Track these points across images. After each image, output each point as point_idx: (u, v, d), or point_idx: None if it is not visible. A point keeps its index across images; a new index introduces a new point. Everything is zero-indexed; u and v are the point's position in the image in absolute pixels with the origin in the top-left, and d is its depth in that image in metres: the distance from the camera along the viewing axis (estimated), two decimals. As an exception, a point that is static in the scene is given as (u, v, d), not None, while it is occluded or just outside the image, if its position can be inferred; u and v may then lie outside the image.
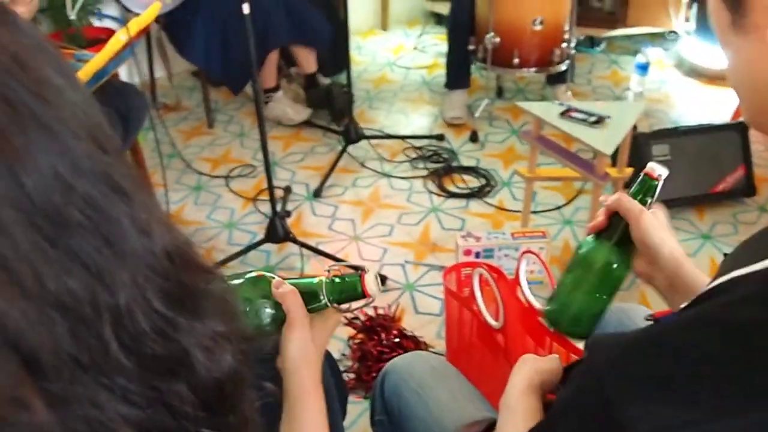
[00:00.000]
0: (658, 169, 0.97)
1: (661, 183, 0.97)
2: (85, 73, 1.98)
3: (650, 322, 0.76)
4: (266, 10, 2.93)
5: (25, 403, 0.38)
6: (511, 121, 3.26)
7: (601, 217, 0.97)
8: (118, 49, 2.05)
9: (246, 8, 1.97)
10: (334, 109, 3.25)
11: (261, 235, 2.37)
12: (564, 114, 2.17)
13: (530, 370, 0.80)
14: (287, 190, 2.77)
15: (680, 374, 0.50)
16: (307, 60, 3.32)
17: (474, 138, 3.09)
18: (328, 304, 0.88)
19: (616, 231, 0.96)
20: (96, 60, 2.00)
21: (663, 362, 0.51)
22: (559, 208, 2.66)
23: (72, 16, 2.25)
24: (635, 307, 1.25)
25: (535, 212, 2.61)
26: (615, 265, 0.96)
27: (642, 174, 0.98)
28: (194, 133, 3.29)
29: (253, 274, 0.90)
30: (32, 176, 0.39)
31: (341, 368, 1.93)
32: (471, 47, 3.09)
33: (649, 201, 0.97)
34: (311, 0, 3.25)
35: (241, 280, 0.90)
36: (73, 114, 0.43)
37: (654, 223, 0.93)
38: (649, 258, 0.94)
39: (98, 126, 0.46)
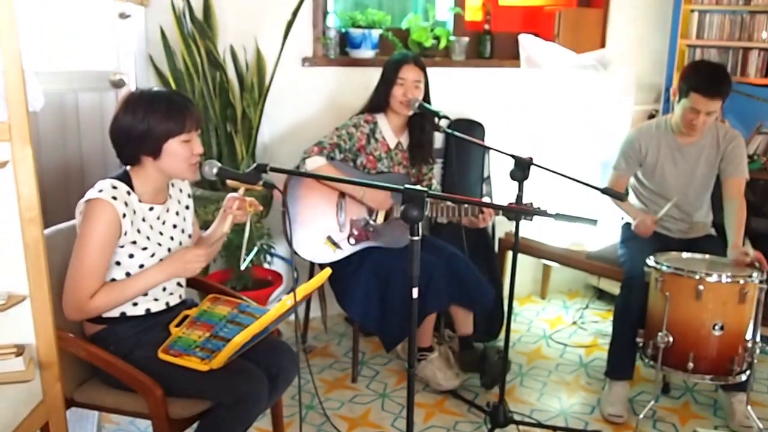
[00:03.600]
0: None
1: None
2: (244, 336, 1.97)
3: None
4: (428, 273, 2.92)
5: None
6: (678, 426, 2.94)
7: None
8: (283, 312, 2.04)
9: (415, 293, 1.92)
10: (485, 374, 3.09)
11: None
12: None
13: None
14: (424, 471, 2.57)
15: None
16: (465, 321, 3.24)
17: (635, 441, 2.80)
18: None
19: None
20: (259, 323, 2.00)
21: None
22: None
23: (242, 267, 2.30)
24: None
25: None
26: None
27: None
28: (337, 384, 3.20)
29: None
30: None
31: None
32: (639, 340, 2.89)
33: None
34: (474, 265, 3.24)
35: None
36: None
37: None
38: None
39: None
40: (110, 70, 3.30)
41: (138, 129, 2.06)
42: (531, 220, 2.77)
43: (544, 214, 1.94)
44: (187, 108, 2.11)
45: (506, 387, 2.86)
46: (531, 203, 2.67)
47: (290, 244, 2.90)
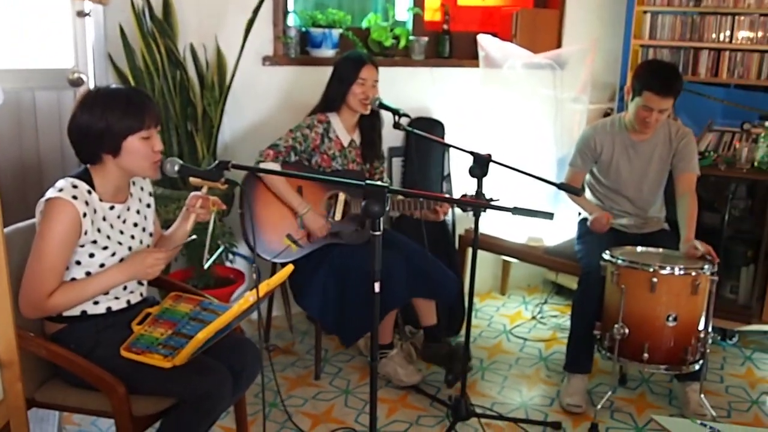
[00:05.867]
0: None
1: None
2: (207, 332, 1.97)
3: None
4: (387, 270, 2.93)
5: None
6: (635, 415, 3.01)
7: None
8: (245, 309, 2.05)
9: (377, 287, 1.95)
10: (451, 371, 3.13)
11: None
12: (705, 437, 1.96)
13: None
14: (388, 464, 2.60)
15: None
16: (428, 312, 3.27)
17: (594, 431, 2.85)
18: None
19: None
20: (221, 320, 2.01)
21: None
22: None
23: (206, 266, 2.30)
24: None
25: None
26: None
27: None
28: (300, 382, 3.22)
29: None
30: None
31: None
32: (596, 332, 2.95)
33: None
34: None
35: None
36: None
37: None
38: None
39: None
40: (68, 68, 3.26)
41: (97, 127, 2.05)
42: (485, 211, 2.81)
43: (501, 207, 1.99)
44: (145, 104, 2.10)
45: (467, 381, 2.90)
46: (491, 198, 2.71)
47: (248, 242, 2.91)
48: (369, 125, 3.22)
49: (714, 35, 4.07)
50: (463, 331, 3.47)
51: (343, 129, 3.16)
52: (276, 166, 3.00)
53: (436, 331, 3.31)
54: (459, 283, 3.31)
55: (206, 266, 2.29)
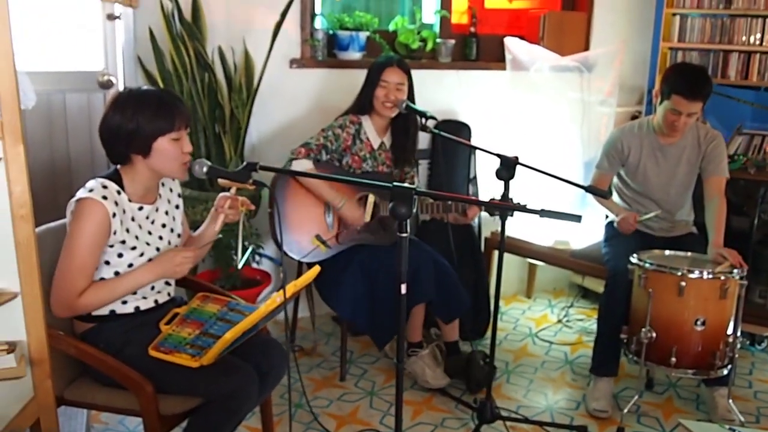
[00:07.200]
0: None
1: None
2: (234, 332, 1.99)
3: None
4: (414, 265, 2.94)
5: None
6: (662, 420, 2.98)
7: None
8: (273, 309, 2.07)
9: (404, 288, 1.95)
10: (471, 380, 3.12)
11: None
12: (735, 443, 1.94)
13: None
14: (412, 467, 2.60)
15: None
16: (450, 330, 3.27)
17: (620, 436, 2.83)
18: None
19: None
20: (249, 320, 2.02)
21: None
22: None
23: (239, 266, 2.32)
24: None
25: None
26: None
27: None
28: (325, 383, 3.23)
29: None
30: None
31: None
32: (623, 336, 2.93)
33: None
34: (460, 264, 3.27)
35: None
36: None
37: None
38: None
39: None
40: (98, 70, 3.31)
41: (127, 128, 2.08)
42: (512, 215, 2.80)
43: (528, 210, 1.98)
44: (176, 106, 2.13)
45: (493, 384, 2.90)
46: (514, 200, 2.70)
47: (278, 242, 2.93)
48: (402, 129, 3.22)
49: (744, 38, 4.03)
50: (488, 334, 3.48)
51: (373, 131, 3.18)
52: (308, 163, 3.02)
53: (458, 346, 3.29)
54: (470, 304, 3.27)
55: (240, 266, 2.31)
